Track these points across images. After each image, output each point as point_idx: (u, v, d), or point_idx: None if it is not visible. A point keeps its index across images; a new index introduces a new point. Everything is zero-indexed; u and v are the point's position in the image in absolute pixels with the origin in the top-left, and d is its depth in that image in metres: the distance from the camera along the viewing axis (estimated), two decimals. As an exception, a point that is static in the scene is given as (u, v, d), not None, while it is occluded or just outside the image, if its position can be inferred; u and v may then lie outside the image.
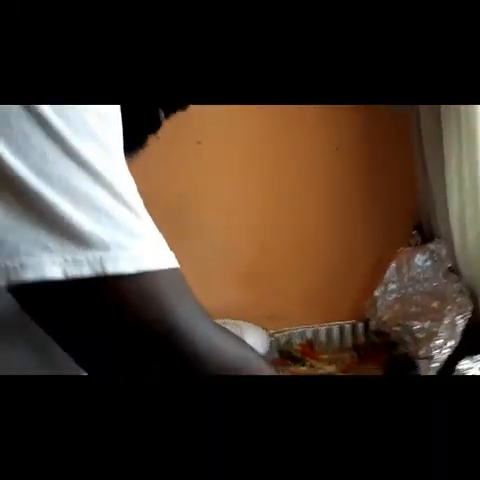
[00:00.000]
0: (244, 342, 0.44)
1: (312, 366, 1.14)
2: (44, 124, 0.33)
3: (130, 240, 0.35)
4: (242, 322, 1.15)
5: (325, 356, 1.20)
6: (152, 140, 0.62)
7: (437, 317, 0.92)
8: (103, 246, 0.34)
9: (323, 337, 1.23)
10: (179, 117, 0.72)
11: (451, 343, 0.87)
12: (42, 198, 0.33)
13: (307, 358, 1.17)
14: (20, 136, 0.33)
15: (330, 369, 1.13)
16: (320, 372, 1.12)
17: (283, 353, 1.21)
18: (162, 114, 0.60)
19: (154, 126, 0.60)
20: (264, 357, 0.45)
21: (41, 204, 0.33)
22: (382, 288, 1.10)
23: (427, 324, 0.94)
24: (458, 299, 0.93)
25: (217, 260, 1.18)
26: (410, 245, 1.09)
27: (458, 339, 0.88)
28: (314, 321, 1.24)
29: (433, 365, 0.86)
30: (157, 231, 0.39)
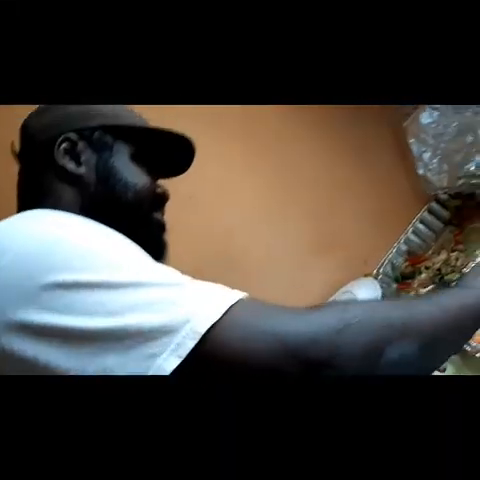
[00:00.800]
0: (335, 302, 0.46)
1: (427, 267, 1.15)
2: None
3: (198, 303, 0.41)
4: (351, 284, 1.17)
5: (430, 251, 1.20)
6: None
7: (477, 147, 0.92)
8: (186, 321, 0.40)
9: (415, 238, 1.23)
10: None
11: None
12: (125, 330, 0.39)
13: (418, 265, 1.18)
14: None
15: (444, 256, 1.13)
16: (438, 266, 1.12)
17: (399, 278, 1.22)
18: (156, 217, 0.67)
19: (159, 229, 0.68)
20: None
21: (128, 333, 0.39)
22: (420, 163, 1.10)
23: (478, 157, 0.94)
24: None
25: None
26: (409, 115, 1.09)
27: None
28: (393, 239, 1.24)
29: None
30: (206, 283, 0.44)
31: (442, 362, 0.49)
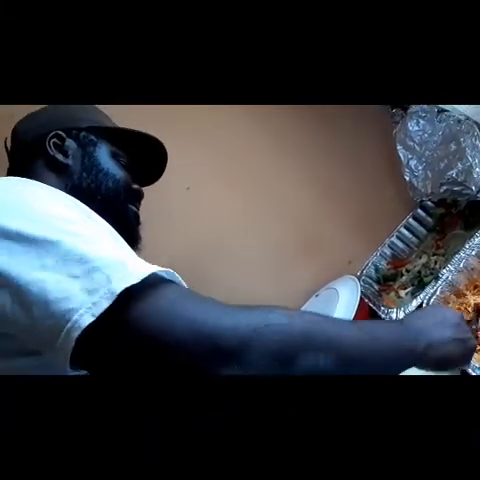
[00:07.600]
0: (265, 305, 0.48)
1: (408, 270, 1.19)
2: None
3: (123, 269, 0.44)
4: (333, 282, 1.21)
5: (413, 256, 1.24)
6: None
7: (460, 154, 0.96)
8: (106, 282, 0.42)
9: (399, 243, 1.27)
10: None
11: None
12: (51, 284, 0.43)
13: (400, 268, 1.22)
14: None
15: (424, 259, 1.17)
16: (418, 268, 1.16)
17: (380, 281, 1.26)
18: (132, 208, 0.75)
19: (135, 220, 0.75)
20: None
21: (51, 289, 0.42)
22: (406, 169, 1.14)
23: (460, 165, 0.99)
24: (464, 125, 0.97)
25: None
26: (398, 122, 1.13)
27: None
28: (377, 242, 1.28)
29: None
30: (137, 257, 0.48)
31: None
